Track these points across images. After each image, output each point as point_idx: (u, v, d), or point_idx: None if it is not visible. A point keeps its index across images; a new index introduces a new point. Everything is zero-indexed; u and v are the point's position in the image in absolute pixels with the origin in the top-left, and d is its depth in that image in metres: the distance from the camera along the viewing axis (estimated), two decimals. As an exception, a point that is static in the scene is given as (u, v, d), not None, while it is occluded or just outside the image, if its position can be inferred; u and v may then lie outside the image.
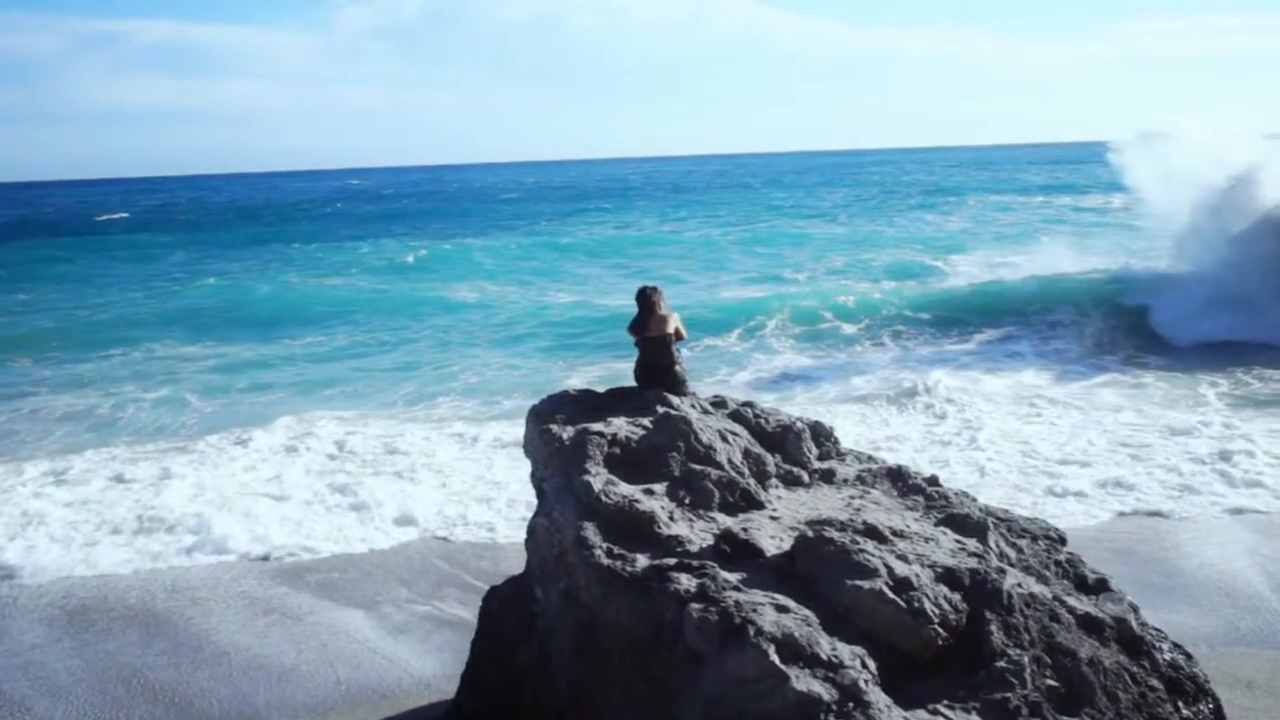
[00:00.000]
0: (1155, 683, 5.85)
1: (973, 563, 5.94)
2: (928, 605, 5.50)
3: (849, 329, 25.97)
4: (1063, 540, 7.06)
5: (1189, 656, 6.32)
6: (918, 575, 5.64)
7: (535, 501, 7.75)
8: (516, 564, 11.80)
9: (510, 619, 7.17)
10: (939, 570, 5.79)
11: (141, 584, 11.54)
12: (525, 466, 14.53)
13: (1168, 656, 6.19)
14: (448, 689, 8.67)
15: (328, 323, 29.47)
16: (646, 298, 7.91)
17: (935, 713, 5.18)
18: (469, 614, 10.54)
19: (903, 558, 5.80)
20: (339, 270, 41.95)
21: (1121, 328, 24.04)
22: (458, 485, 14.51)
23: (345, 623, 10.48)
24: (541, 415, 7.55)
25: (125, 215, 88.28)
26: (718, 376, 21.62)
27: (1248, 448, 14.82)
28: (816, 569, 5.69)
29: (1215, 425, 16.08)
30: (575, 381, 21.55)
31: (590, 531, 6.11)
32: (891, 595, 5.49)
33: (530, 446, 7.59)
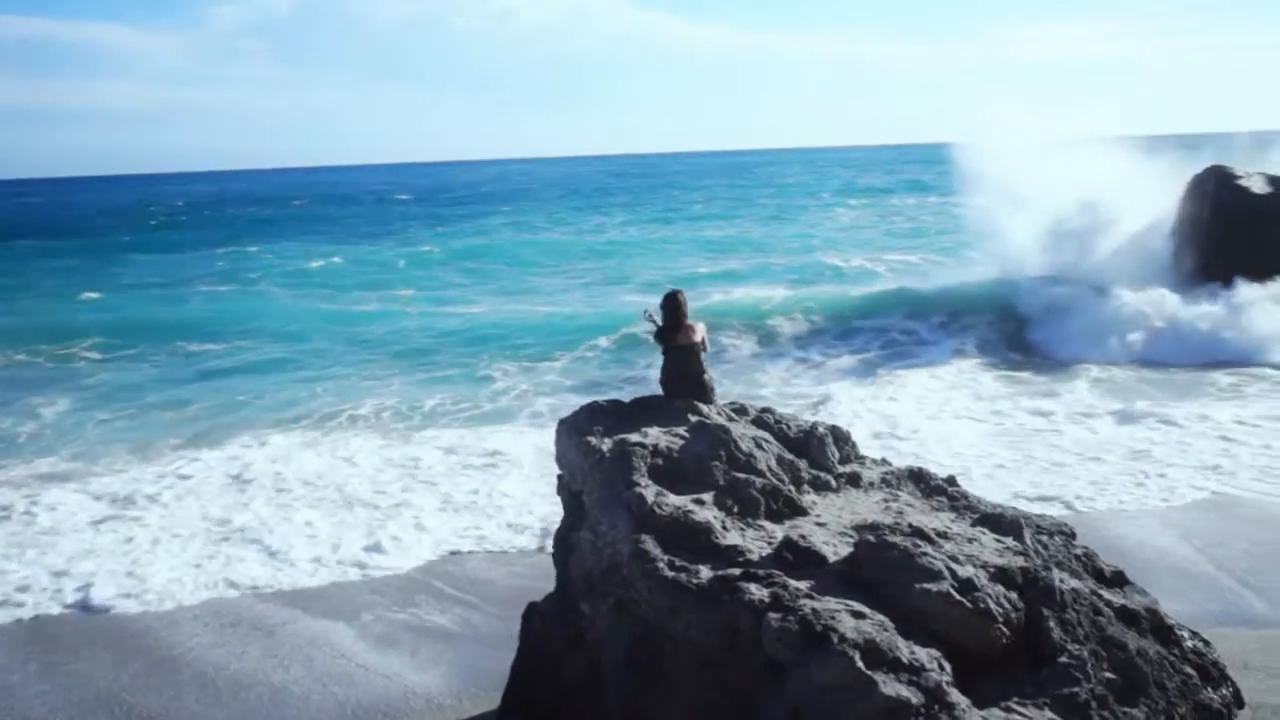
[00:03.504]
0: (1189, 670, 6.14)
1: (1020, 561, 6.13)
2: (992, 605, 5.66)
3: (741, 337, 25.40)
4: (1074, 535, 7.32)
5: (1207, 643, 6.66)
6: (977, 576, 5.80)
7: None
8: (481, 569, 11.84)
9: (555, 635, 7.08)
10: (992, 570, 5.96)
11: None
12: (457, 474, 14.92)
13: (1190, 644, 6.50)
14: (455, 705, 8.54)
15: (225, 335, 28.34)
16: (677, 305, 7.87)
17: (1009, 710, 5.34)
18: (448, 621, 10.46)
19: (955, 559, 5.95)
20: (237, 278, 40.73)
21: (1006, 333, 24.73)
22: (388, 500, 14.29)
23: (324, 635, 10.17)
24: (577, 427, 7.47)
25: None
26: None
27: (1149, 443, 15.62)
28: (883, 573, 5.79)
29: (1108, 420, 16.99)
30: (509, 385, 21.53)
31: (650, 544, 6.08)
32: (958, 597, 5.63)
33: (565, 459, 7.50)
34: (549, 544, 12.25)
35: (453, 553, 12.35)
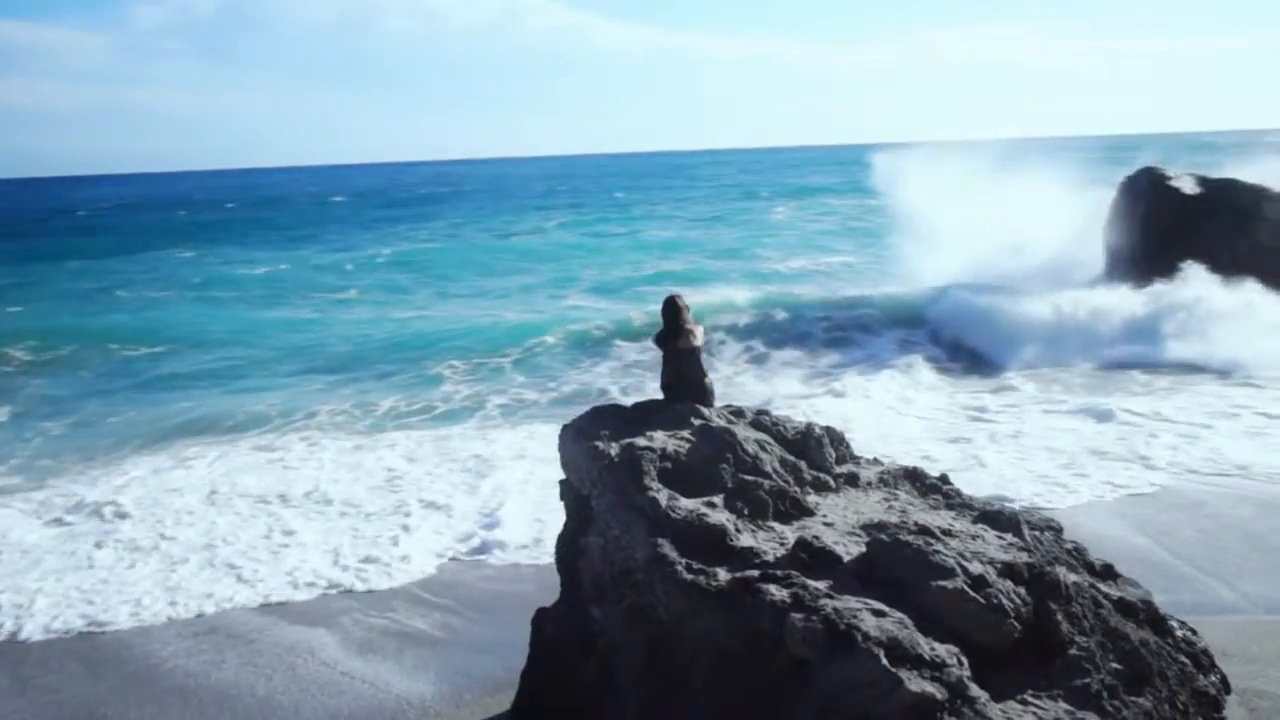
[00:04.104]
0: (1184, 659, 6.36)
1: (1025, 557, 6.29)
2: (1004, 600, 5.81)
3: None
4: (1061, 530, 7.53)
5: (1194, 632, 6.90)
6: (987, 572, 5.94)
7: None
8: (453, 574, 11.77)
9: (565, 640, 7.08)
10: (999, 566, 6.10)
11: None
12: (417, 479, 14.85)
13: (1180, 634, 6.74)
14: (452, 713, 8.49)
15: (164, 342, 27.65)
16: (676, 310, 7.93)
17: (1025, 703, 5.49)
18: (427, 626, 10.42)
19: (964, 556, 6.09)
20: (173, 284, 39.81)
21: (939, 337, 25.02)
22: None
23: (302, 642, 10.06)
24: (585, 432, 7.47)
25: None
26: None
27: (1082, 439, 16.11)
28: (897, 571, 5.90)
29: (1040, 418, 17.50)
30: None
31: (667, 548, 6.12)
32: (972, 593, 5.76)
33: (572, 464, 7.50)
34: (519, 546, 12.35)
35: (438, 557, 12.25)
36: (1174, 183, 27.22)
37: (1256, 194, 26.93)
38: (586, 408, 20.04)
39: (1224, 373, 20.21)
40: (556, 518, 12.79)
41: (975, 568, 5.93)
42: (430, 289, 37.54)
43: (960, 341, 24.30)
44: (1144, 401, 18.19)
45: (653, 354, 23.85)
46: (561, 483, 7.82)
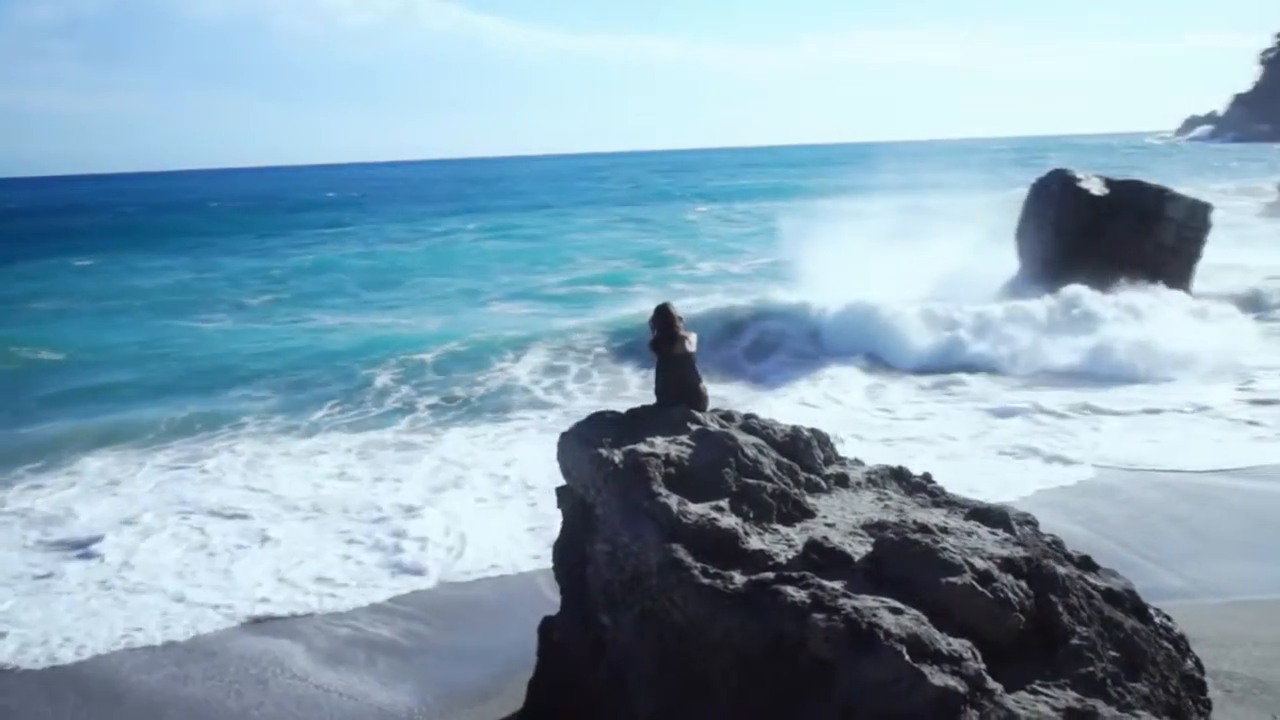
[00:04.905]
0: (1168, 645, 6.65)
1: (1021, 551, 6.50)
2: (1009, 594, 6.00)
3: (606, 348, 24.86)
4: (1037, 524, 7.78)
5: (1169, 618, 7.20)
6: (991, 567, 6.13)
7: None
8: (405, 583, 11.58)
9: (574, 648, 7.06)
10: (999, 561, 6.30)
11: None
12: (352, 485, 14.66)
13: (1159, 620, 7.03)
14: (440, 723, 8.39)
15: (71, 356, 26.45)
16: (670, 317, 8.01)
17: (1036, 693, 5.68)
18: (393, 634, 10.31)
19: (965, 552, 6.26)
20: (71, 294, 38.31)
21: (843, 341, 24.95)
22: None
23: (267, 654, 9.84)
24: (587, 439, 7.47)
25: None
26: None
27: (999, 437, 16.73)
28: (907, 569, 6.05)
29: (959, 420, 18.06)
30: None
31: (682, 552, 6.16)
32: (980, 588, 5.94)
33: (575, 471, 7.48)
34: (450, 550, 12.24)
35: (389, 570, 12.05)
36: (1083, 184, 28.17)
37: (1160, 195, 28.11)
38: (508, 411, 20.09)
39: (1108, 372, 20.98)
40: (492, 523, 13.03)
41: (980, 563, 6.12)
42: (344, 296, 36.91)
43: (865, 347, 24.26)
44: (1042, 399, 18.88)
45: (575, 355, 24.10)
46: (560, 490, 7.81)
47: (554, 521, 13.08)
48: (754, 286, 33.78)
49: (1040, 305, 25.08)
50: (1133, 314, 24.22)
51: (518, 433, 18.58)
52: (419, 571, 11.83)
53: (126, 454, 17.42)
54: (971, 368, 22.31)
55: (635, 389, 21.83)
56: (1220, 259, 30.70)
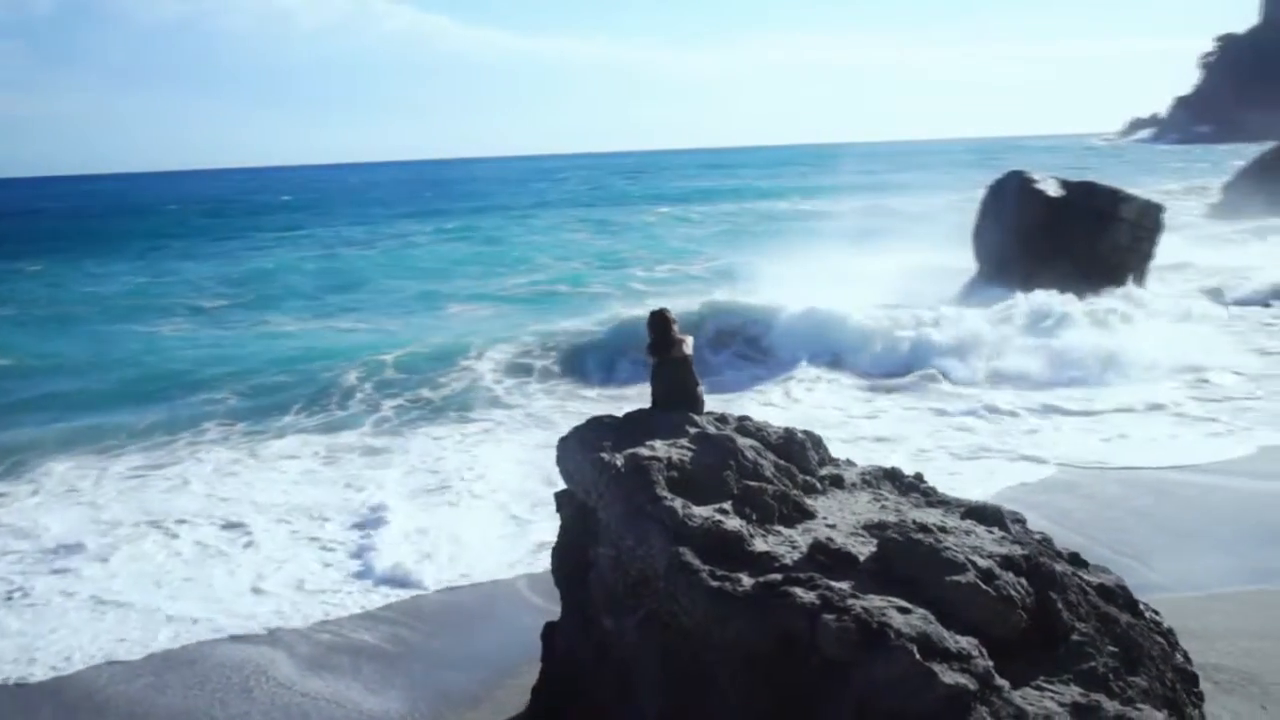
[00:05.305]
0: (1160, 638, 6.78)
1: (1018, 549, 6.60)
2: (1012, 592, 6.08)
3: (548, 356, 24.18)
4: (1025, 521, 7.89)
5: (1158, 613, 7.34)
6: (992, 566, 6.21)
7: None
8: (378, 589, 11.45)
9: (580, 653, 7.04)
10: (998, 559, 6.38)
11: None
12: (322, 491, 14.53)
13: (1149, 615, 7.16)
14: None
15: (21, 362, 26.07)
16: (666, 322, 8.03)
17: (1040, 689, 5.76)
18: (375, 639, 10.23)
19: (964, 551, 6.34)
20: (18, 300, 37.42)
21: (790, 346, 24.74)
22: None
23: (248, 662, 9.70)
24: (587, 442, 7.45)
25: None
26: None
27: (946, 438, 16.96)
28: (913, 569, 6.11)
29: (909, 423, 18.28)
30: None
31: (690, 555, 6.17)
32: (985, 586, 6.02)
33: (576, 474, 7.46)
34: (442, 556, 12.16)
35: (359, 579, 11.93)
36: (1039, 186, 28.62)
37: (1114, 196, 28.66)
38: (471, 413, 19.94)
39: (1067, 374, 21.19)
40: (466, 528, 12.98)
41: (982, 562, 6.20)
42: (303, 299, 36.40)
43: (825, 350, 24.12)
44: (1001, 400, 19.15)
45: (536, 356, 23.96)
46: (559, 494, 7.79)
47: (527, 525, 13.20)
48: (711, 288, 33.74)
49: (1001, 308, 25.36)
50: (1092, 317, 24.59)
51: (485, 434, 18.62)
52: (397, 577, 11.71)
53: (86, 462, 17.07)
54: (932, 370, 22.45)
55: (596, 389, 21.93)
56: (1171, 259, 31.39)
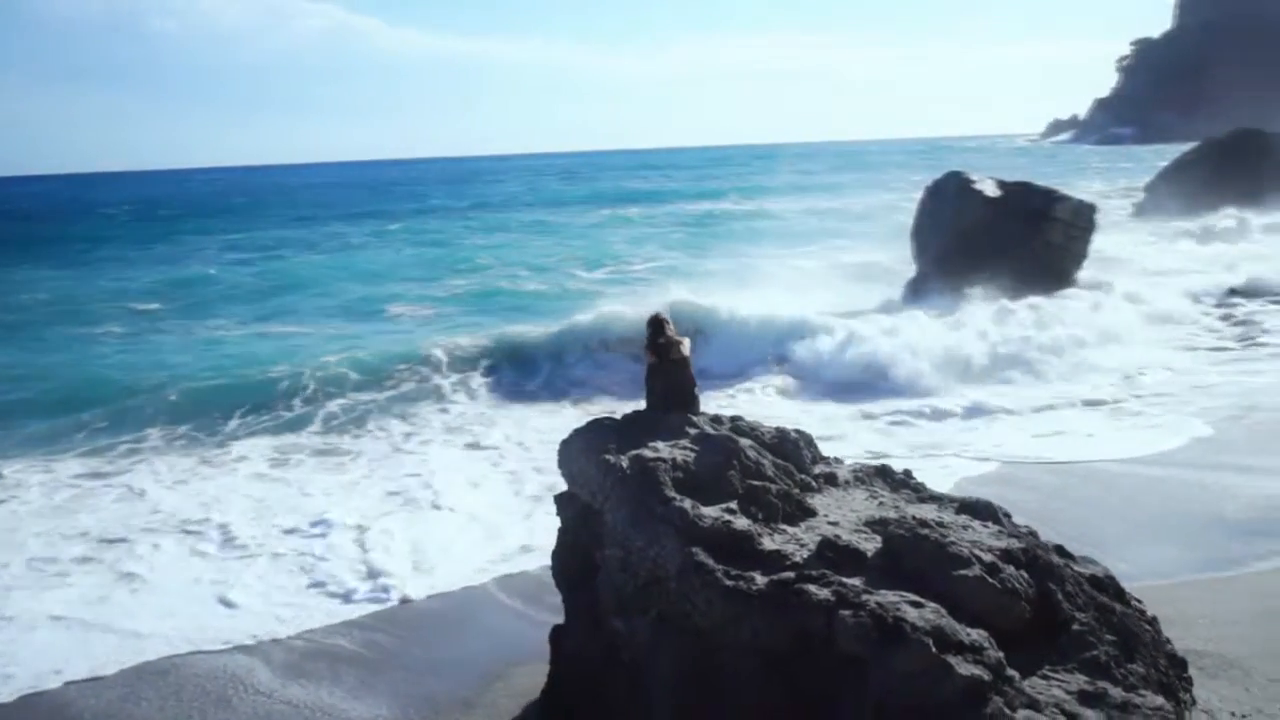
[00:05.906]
0: (1148, 626, 6.98)
1: (1016, 543, 6.74)
2: (1015, 584, 6.21)
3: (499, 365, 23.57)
4: (1010, 515, 8.06)
5: (1141, 601, 7.55)
6: (995, 559, 6.33)
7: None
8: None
9: (588, 655, 7.00)
10: (998, 553, 6.52)
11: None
12: (272, 495, 14.31)
13: (1135, 604, 7.36)
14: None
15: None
16: (661, 326, 8.06)
17: (1047, 678, 5.91)
18: (350, 644, 10.09)
19: (967, 545, 6.46)
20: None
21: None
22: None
23: (223, 670, 9.47)
24: (591, 445, 7.42)
25: None
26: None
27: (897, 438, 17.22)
28: (920, 564, 6.21)
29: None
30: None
31: (703, 555, 6.19)
32: (990, 579, 6.14)
33: (581, 477, 7.42)
34: (411, 562, 12.03)
35: (320, 588, 11.73)
36: (977, 186, 29.23)
37: (1048, 196, 29.39)
38: (418, 415, 19.72)
39: (1004, 372, 21.52)
40: (432, 532, 12.85)
41: (985, 555, 6.33)
42: (241, 303, 35.56)
43: (768, 353, 23.97)
44: (943, 402, 19.35)
45: (480, 356, 23.73)
46: (559, 497, 7.76)
47: (490, 528, 13.13)
48: (654, 290, 33.81)
49: (941, 307, 25.82)
50: (1028, 315, 25.09)
51: (434, 435, 18.59)
52: (365, 585, 11.55)
53: (29, 475, 16.52)
54: (876, 371, 22.70)
55: (538, 387, 21.97)
56: (1102, 256, 32.26)
